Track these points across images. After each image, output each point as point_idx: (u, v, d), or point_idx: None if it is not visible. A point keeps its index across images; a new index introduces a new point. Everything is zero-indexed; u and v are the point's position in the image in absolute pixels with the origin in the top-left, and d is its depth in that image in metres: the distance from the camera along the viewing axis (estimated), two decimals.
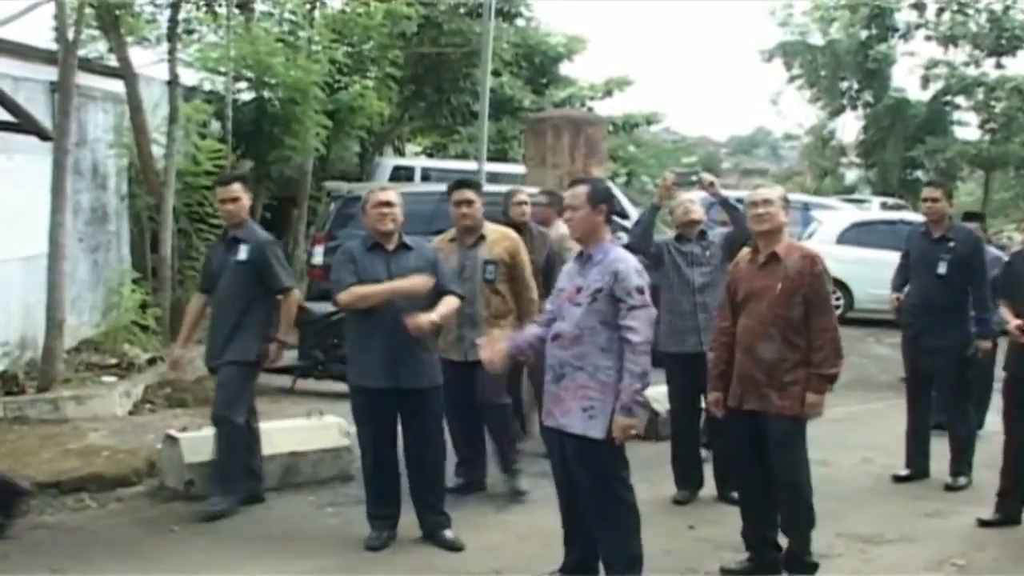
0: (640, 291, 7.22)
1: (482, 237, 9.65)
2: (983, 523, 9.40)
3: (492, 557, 8.26)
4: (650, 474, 10.63)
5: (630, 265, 7.30)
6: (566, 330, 7.30)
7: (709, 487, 10.11)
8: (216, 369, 9.36)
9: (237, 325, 9.19)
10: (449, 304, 8.47)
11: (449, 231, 9.89)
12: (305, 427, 10.31)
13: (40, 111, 14.15)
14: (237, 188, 9.51)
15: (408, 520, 8.60)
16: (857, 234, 21.82)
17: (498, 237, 9.73)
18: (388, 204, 8.50)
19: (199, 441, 9.53)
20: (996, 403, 9.85)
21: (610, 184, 23.87)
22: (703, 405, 10.05)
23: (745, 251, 8.14)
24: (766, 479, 7.96)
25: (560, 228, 10.64)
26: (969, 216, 13.19)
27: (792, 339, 7.78)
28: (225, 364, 9.19)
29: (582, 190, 7.42)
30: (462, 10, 28.61)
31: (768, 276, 7.84)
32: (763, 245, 7.93)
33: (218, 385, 9.36)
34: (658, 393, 11.82)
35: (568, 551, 7.69)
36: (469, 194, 9.62)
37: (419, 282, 8.26)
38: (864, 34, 44.31)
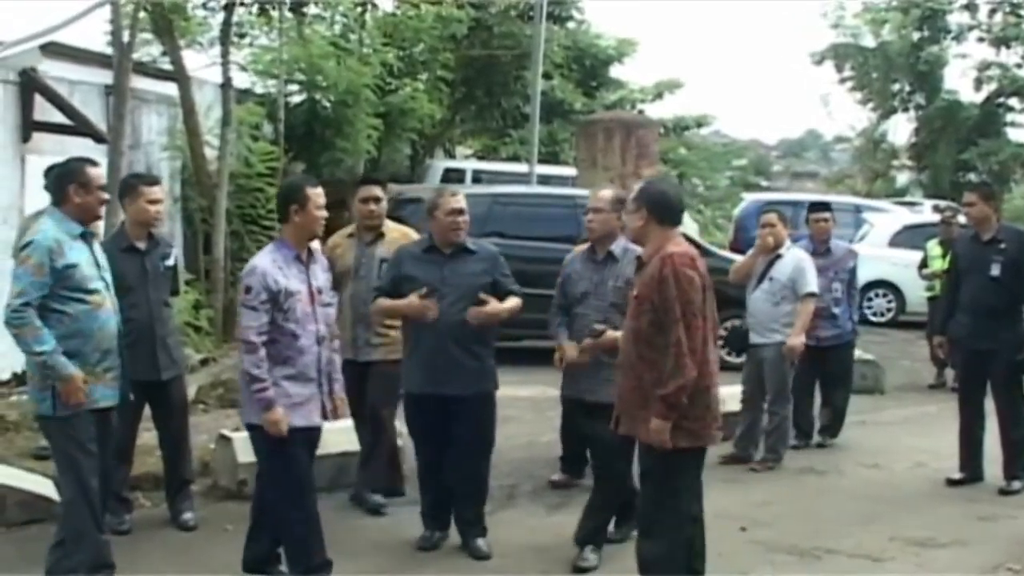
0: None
1: (381, 235, 9.37)
2: None
3: (542, 559, 8.26)
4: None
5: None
6: (326, 331, 7.61)
7: (761, 490, 10.09)
8: None
9: None
10: (512, 304, 8.26)
11: (350, 226, 9.69)
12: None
13: (95, 114, 14.29)
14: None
15: None
16: (909, 236, 21.66)
17: (398, 236, 9.38)
18: (462, 212, 8.33)
19: (248, 441, 9.57)
20: None
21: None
22: None
23: None
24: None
25: None
26: (815, 207, 12.80)
27: (644, 353, 6.86)
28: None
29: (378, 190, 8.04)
30: (513, 13, 28.68)
31: (638, 283, 7.11)
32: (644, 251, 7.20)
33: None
34: None
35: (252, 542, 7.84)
36: (377, 191, 9.41)
37: (418, 307, 8.14)
38: (916, 36, 44.03)
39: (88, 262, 7.20)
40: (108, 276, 7.38)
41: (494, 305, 8.10)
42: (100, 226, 7.60)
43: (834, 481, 10.86)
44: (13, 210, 12.97)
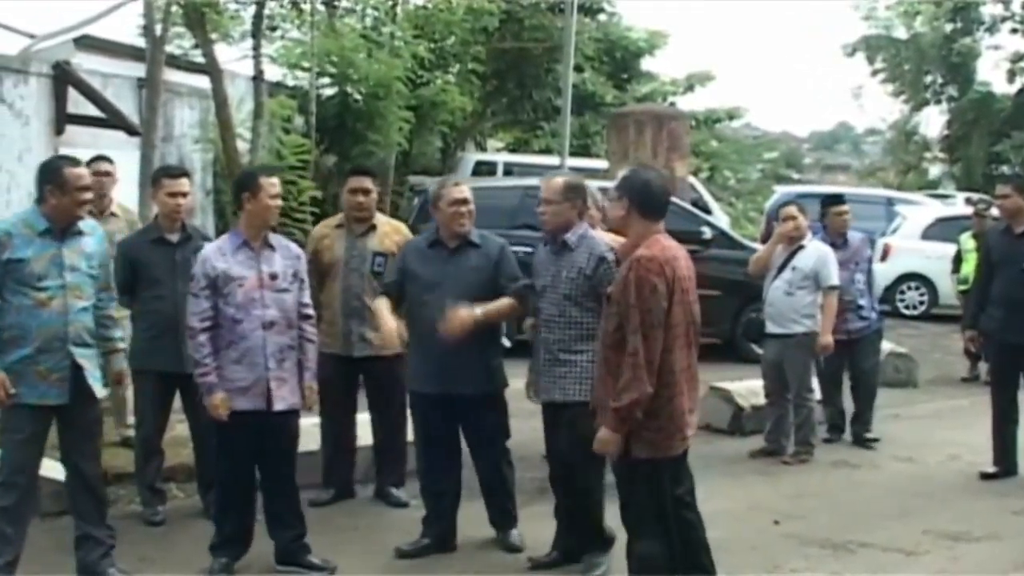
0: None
1: (372, 227, 9.25)
2: None
3: None
4: (733, 469, 10.65)
5: (300, 250, 8.02)
6: (280, 316, 7.64)
7: (794, 483, 10.08)
8: None
9: None
10: (501, 305, 7.94)
11: (336, 216, 9.64)
12: None
13: (128, 107, 14.37)
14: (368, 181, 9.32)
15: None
16: (942, 229, 21.59)
17: (389, 229, 9.33)
18: (465, 202, 8.11)
19: None
20: None
21: (694, 180, 23.90)
22: None
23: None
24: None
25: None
26: (833, 199, 12.67)
27: (610, 358, 6.60)
28: None
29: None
30: (544, 5, 28.66)
31: (614, 282, 6.81)
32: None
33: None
34: (742, 388, 11.83)
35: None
36: (366, 183, 9.25)
37: (389, 330, 8.11)
38: (948, 27, 43.91)
39: (47, 260, 7.12)
40: (78, 277, 7.24)
41: (460, 314, 7.73)
42: (90, 224, 7.46)
43: (867, 474, 10.84)
44: None
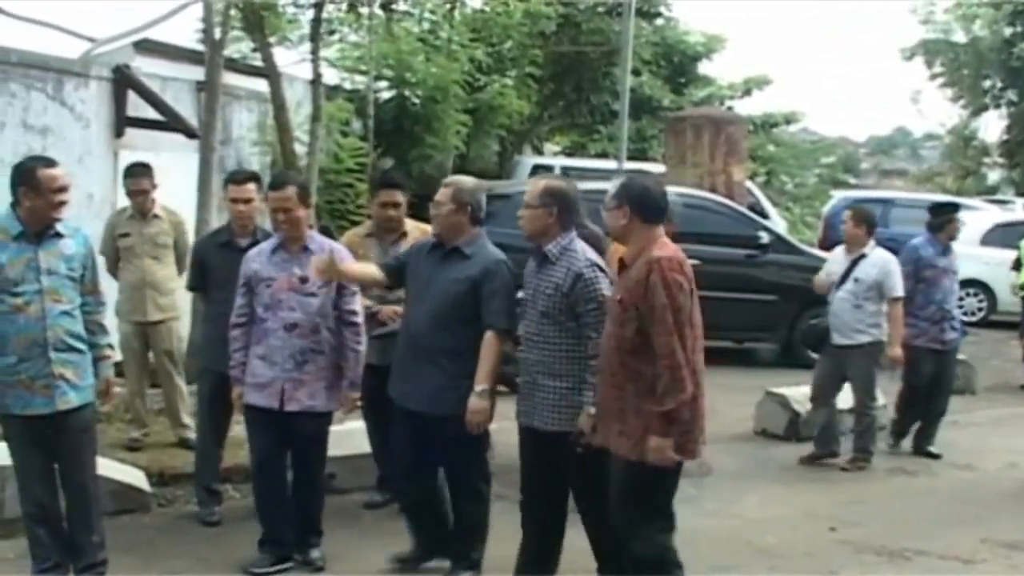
0: None
1: (404, 234, 8.99)
2: None
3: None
4: (789, 475, 10.62)
5: (344, 252, 7.89)
6: (304, 319, 7.68)
7: (851, 490, 10.03)
8: None
9: None
10: (489, 359, 7.30)
11: (364, 225, 9.62)
12: None
13: (187, 110, 14.42)
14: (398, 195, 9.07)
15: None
16: (1001, 235, 21.44)
17: (419, 234, 8.80)
18: (436, 204, 7.64)
19: (341, 435, 9.54)
20: None
21: (751, 185, 23.81)
22: None
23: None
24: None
25: None
26: (945, 207, 12.38)
27: (629, 363, 6.46)
28: None
29: (291, 191, 7.76)
30: (601, 9, 28.65)
31: (619, 287, 6.69)
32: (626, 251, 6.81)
33: None
34: (798, 393, 11.78)
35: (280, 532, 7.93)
36: (397, 196, 9.02)
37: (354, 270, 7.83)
38: (1008, 31, 43.45)
39: (22, 264, 6.89)
40: (55, 281, 6.97)
41: (475, 406, 7.24)
42: (71, 225, 7.17)
43: (925, 481, 10.78)
44: (107, 204, 13.13)
